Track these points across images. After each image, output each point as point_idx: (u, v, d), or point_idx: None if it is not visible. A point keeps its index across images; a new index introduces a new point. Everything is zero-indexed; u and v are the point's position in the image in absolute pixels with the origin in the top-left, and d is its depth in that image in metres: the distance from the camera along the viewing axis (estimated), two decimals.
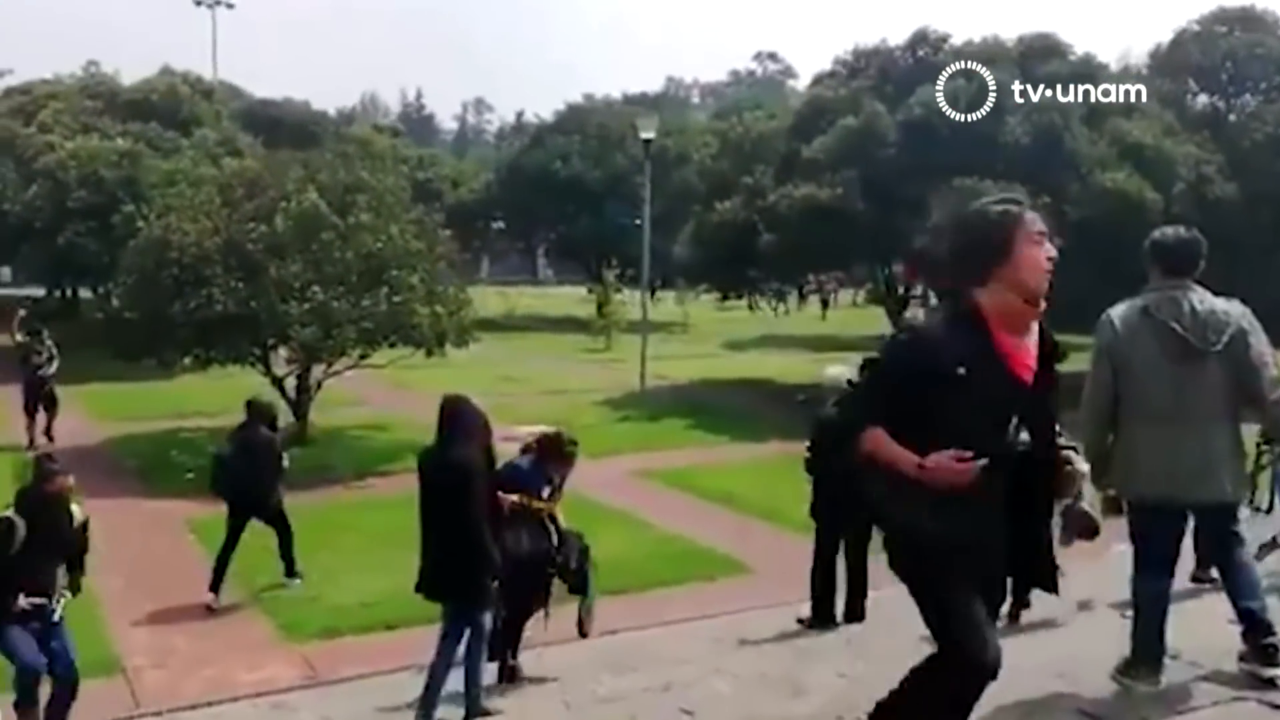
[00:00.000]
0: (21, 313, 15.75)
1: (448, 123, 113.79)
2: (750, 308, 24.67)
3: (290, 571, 9.11)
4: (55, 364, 14.66)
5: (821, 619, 7.02)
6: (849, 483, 3.49)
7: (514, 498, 6.23)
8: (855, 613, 6.99)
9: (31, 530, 5.87)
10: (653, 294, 25.05)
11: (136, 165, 21.97)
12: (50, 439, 14.11)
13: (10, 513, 5.94)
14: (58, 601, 6.06)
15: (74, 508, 6.25)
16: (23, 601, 5.83)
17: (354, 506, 11.77)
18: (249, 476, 8.82)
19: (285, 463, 9.29)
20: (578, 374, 23.22)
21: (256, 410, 9.23)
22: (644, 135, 19.43)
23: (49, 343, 14.80)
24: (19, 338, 14.92)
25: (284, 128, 31.67)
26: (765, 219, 18.90)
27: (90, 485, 12.75)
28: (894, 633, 4.94)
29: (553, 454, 6.59)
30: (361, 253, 13.37)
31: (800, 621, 7.10)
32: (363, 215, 13.46)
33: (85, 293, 33.26)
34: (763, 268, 20.83)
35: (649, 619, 7.86)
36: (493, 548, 5.56)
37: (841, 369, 6.89)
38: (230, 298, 12.52)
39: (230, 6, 46.19)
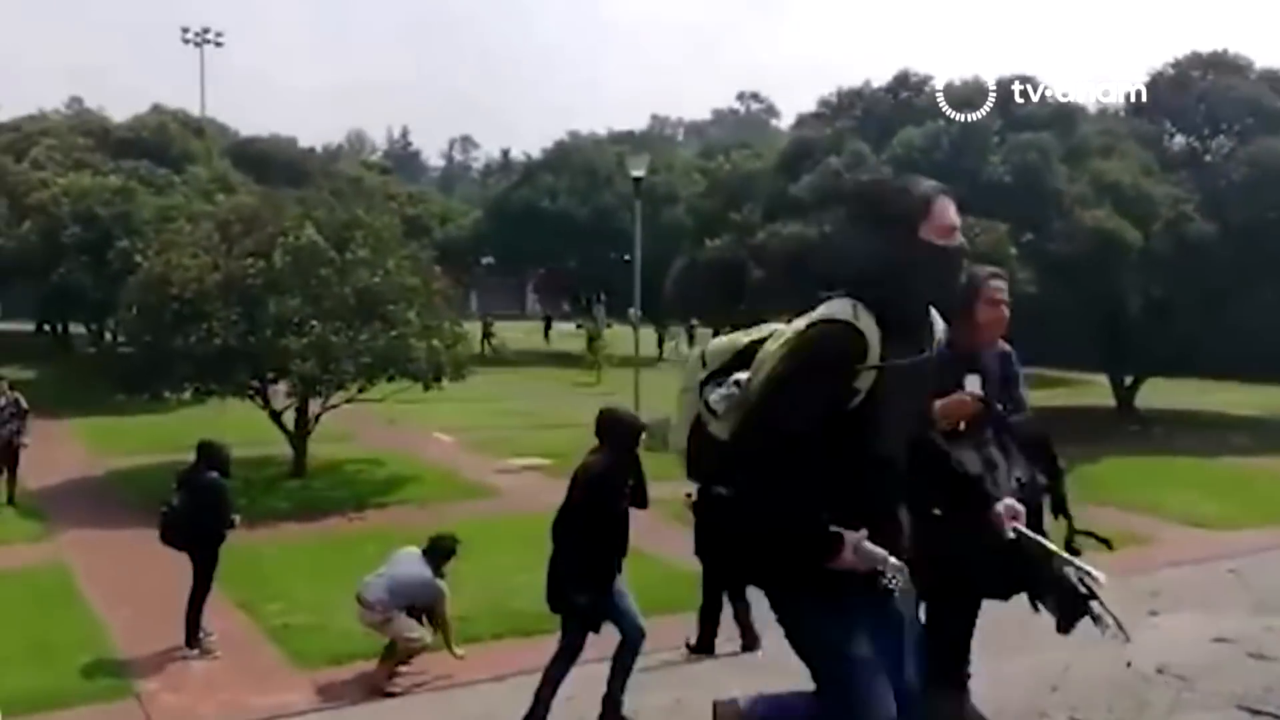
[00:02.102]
0: None
1: (434, 159, 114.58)
2: None
3: (188, 638, 8.34)
4: (18, 421, 13.37)
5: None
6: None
7: None
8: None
9: None
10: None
11: (130, 201, 22.21)
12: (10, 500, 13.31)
13: None
14: None
15: None
16: None
17: (353, 538, 11.92)
18: (190, 519, 8.36)
19: (235, 517, 8.69)
20: (572, 407, 23.38)
21: (205, 452, 8.67)
22: (634, 173, 19.79)
23: (14, 397, 13.56)
24: None
25: (273, 165, 32.05)
26: (755, 256, 19.25)
27: (97, 517, 13.04)
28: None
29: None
30: (359, 288, 13.61)
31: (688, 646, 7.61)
32: (360, 251, 13.73)
33: (76, 328, 33.41)
34: (752, 303, 21.15)
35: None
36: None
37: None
38: (230, 332, 12.74)
39: (219, 45, 46.56)
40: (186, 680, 7.97)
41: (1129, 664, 4.82)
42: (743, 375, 2.91)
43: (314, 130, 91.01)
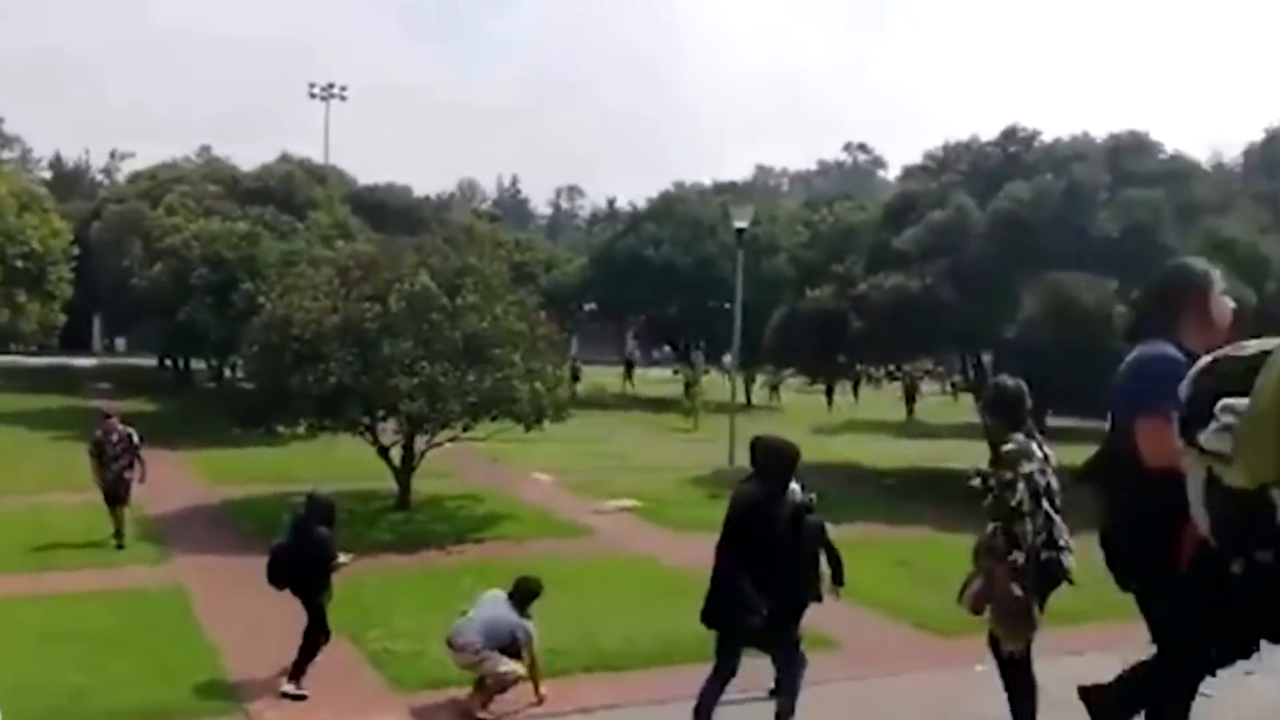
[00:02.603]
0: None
1: (541, 208, 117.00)
2: (828, 399, 24.75)
3: (294, 675, 8.44)
4: (130, 457, 13.25)
5: None
6: None
7: None
8: None
9: None
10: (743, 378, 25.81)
11: (255, 246, 23.39)
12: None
13: None
14: None
15: None
16: None
17: (452, 570, 12.30)
18: (296, 566, 8.65)
19: (342, 558, 8.89)
20: (667, 451, 23.71)
21: (314, 506, 8.82)
22: (737, 224, 20.10)
23: (127, 432, 13.43)
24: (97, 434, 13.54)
25: (389, 212, 33.28)
26: (855, 306, 19.31)
27: (212, 544, 13.71)
28: None
29: None
30: (468, 332, 14.12)
31: None
32: (470, 297, 14.25)
33: (197, 364, 35.01)
34: (852, 354, 21.19)
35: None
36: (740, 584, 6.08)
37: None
38: (346, 372, 13.32)
39: (344, 99, 48.60)
40: (290, 701, 8.35)
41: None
42: (1234, 402, 2.67)
43: (429, 179, 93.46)
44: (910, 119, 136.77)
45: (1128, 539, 3.56)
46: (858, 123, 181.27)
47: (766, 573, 6.08)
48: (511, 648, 8.00)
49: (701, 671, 6.58)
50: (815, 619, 10.32)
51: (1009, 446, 5.35)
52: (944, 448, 23.31)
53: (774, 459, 6.26)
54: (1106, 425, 3.83)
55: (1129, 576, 3.61)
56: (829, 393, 30.42)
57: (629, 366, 42.15)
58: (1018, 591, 4.99)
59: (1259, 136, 24.51)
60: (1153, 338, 3.67)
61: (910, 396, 31.86)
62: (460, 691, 8.11)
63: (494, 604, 8.18)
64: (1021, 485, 5.18)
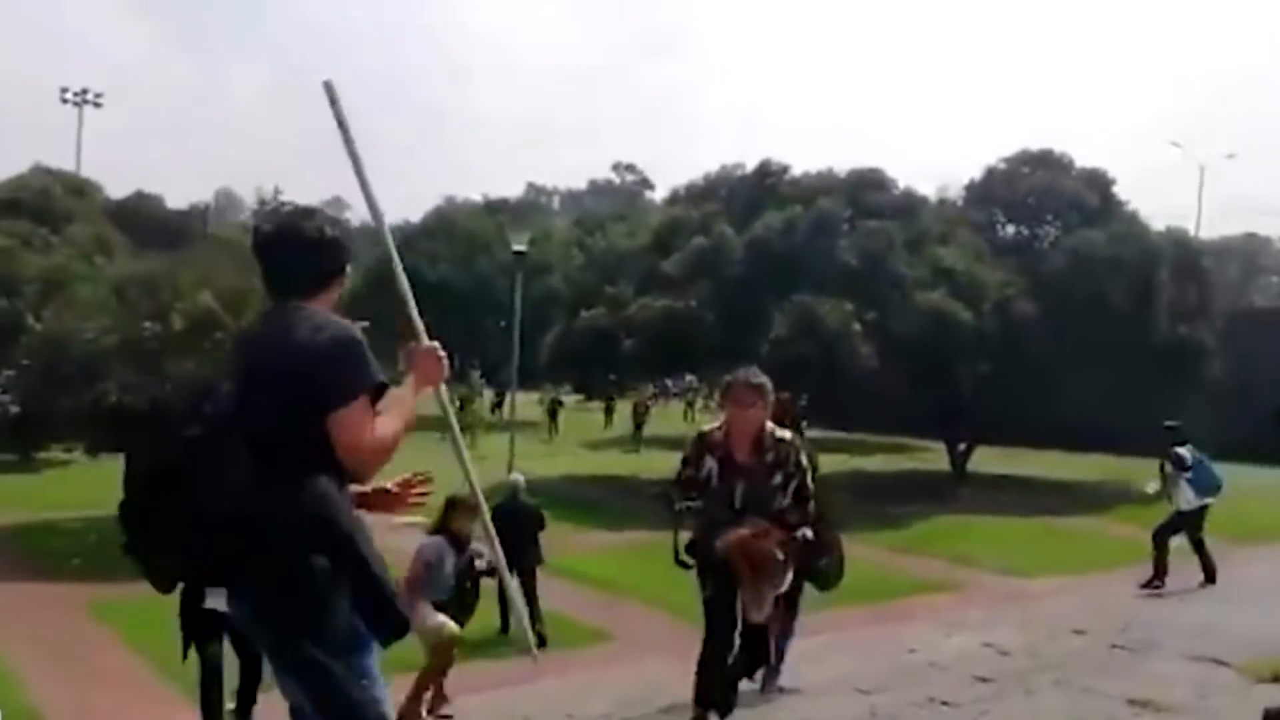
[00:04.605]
0: None
1: None
2: (607, 411, 25.82)
3: None
4: None
5: None
6: None
7: None
8: None
9: None
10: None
11: (11, 263, 22.26)
12: None
13: None
14: None
15: None
16: None
17: None
18: None
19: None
20: (445, 470, 24.14)
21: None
22: (516, 248, 20.99)
23: None
24: None
25: (150, 225, 32.05)
26: (626, 327, 20.61)
27: None
28: None
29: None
30: None
31: None
32: (254, 316, 14.46)
33: None
34: (623, 371, 22.51)
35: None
36: None
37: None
38: (127, 392, 13.30)
39: (99, 105, 46.20)
40: (94, 711, 8.58)
41: (912, 650, 6.23)
42: None
43: (181, 188, 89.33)
44: (674, 143, 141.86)
45: None
46: (626, 142, 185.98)
47: None
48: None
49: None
50: (588, 615, 11.33)
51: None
52: None
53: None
54: None
55: None
56: (608, 411, 31.58)
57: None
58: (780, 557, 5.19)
59: (979, 173, 27.24)
60: None
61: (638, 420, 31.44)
62: None
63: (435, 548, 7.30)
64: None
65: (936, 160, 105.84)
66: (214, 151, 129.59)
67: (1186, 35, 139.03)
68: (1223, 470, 11.24)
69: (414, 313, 3.40)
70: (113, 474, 12.30)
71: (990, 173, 26.60)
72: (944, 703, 5.48)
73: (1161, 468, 11.72)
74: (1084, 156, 28.95)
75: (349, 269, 3.21)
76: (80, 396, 13.44)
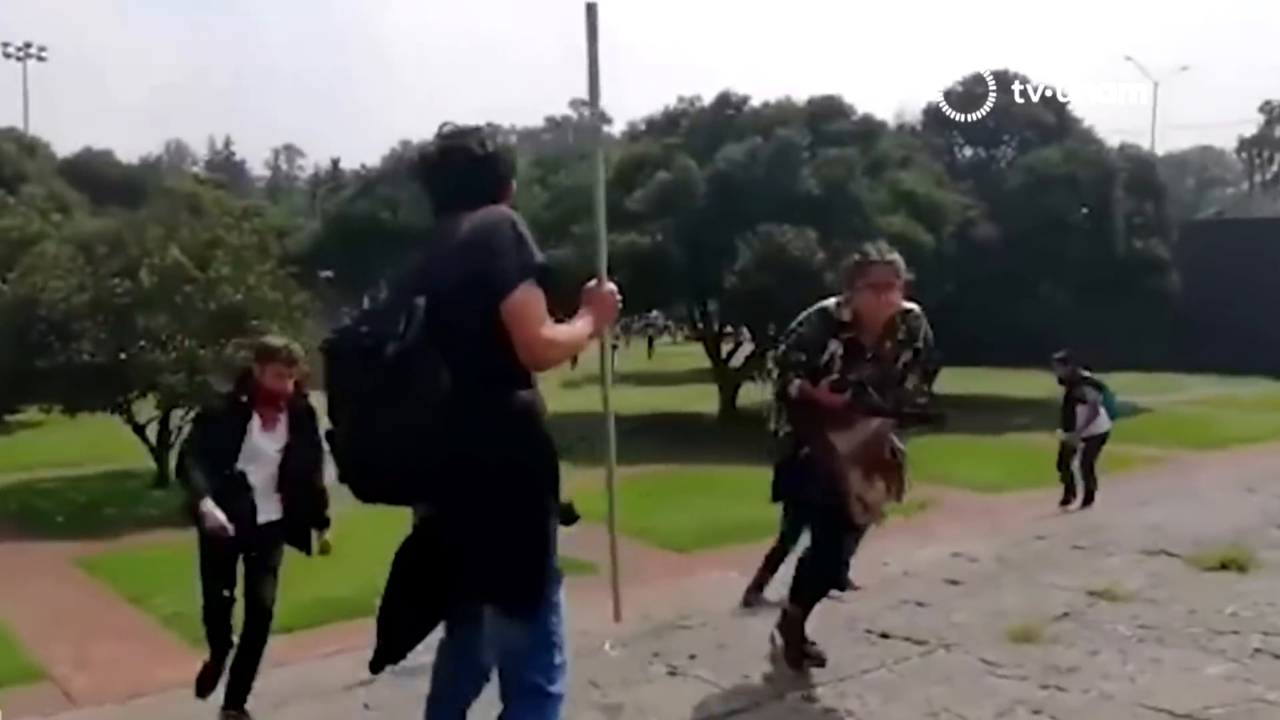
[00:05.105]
0: None
1: (258, 169, 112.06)
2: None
3: None
4: None
5: None
6: None
7: None
8: None
9: None
10: None
11: None
12: None
13: None
14: None
15: None
16: None
17: None
18: None
19: None
20: None
21: None
22: None
23: None
24: None
25: (105, 182, 31.72)
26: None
27: None
28: None
29: None
30: (223, 304, 14.41)
31: None
32: (223, 269, 14.52)
33: None
34: None
35: None
36: None
37: None
38: (101, 349, 13.36)
39: (43, 59, 45.22)
40: (96, 663, 8.81)
41: (885, 563, 6.57)
42: None
43: (130, 141, 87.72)
44: (632, 76, 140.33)
45: None
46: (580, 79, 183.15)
47: None
48: None
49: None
50: (576, 549, 11.65)
51: None
52: (679, 394, 25.35)
53: None
54: None
55: None
56: None
57: None
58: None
59: (936, 98, 27.39)
60: None
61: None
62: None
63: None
64: None
65: (895, 85, 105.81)
66: (158, 102, 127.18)
67: None
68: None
69: (602, 254, 3.58)
70: (89, 431, 12.60)
71: (948, 95, 26.79)
72: (918, 603, 5.81)
73: (1068, 402, 12.20)
74: (1040, 76, 29.16)
75: (514, 182, 3.31)
76: (54, 357, 13.46)
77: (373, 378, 2.80)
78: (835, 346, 4.57)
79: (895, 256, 4.56)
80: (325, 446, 3.31)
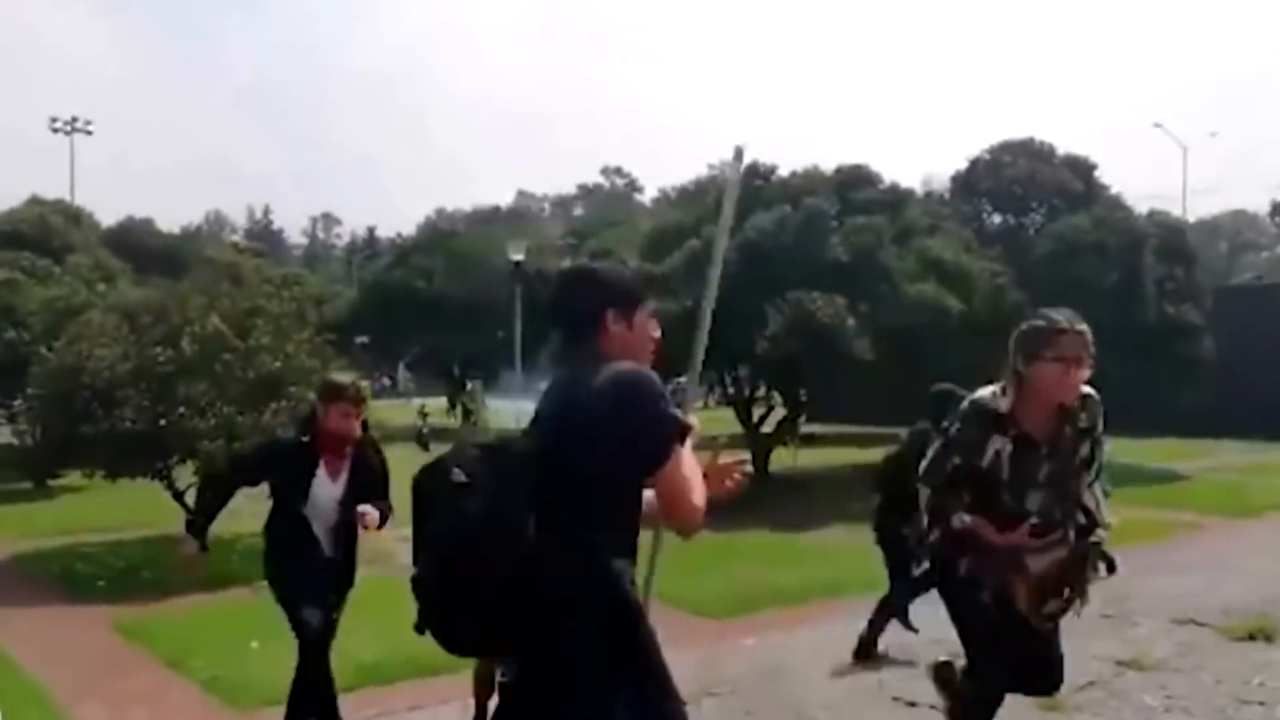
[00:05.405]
0: None
1: (295, 237, 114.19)
2: None
3: None
4: None
5: None
6: None
7: None
8: None
9: None
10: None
11: (15, 294, 22.66)
12: None
13: None
14: None
15: None
16: None
17: (262, 604, 12.82)
18: None
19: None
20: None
21: None
22: (514, 257, 21.39)
23: None
24: None
25: (148, 250, 32.53)
26: None
27: (12, 597, 13.59)
28: None
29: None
30: (262, 372, 14.69)
31: None
32: (263, 338, 14.84)
33: None
34: None
35: None
36: None
37: None
38: (143, 417, 13.66)
39: (89, 133, 46.57)
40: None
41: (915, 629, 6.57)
42: None
43: (169, 211, 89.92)
44: (663, 146, 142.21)
45: None
46: (612, 146, 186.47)
47: None
48: None
49: None
50: None
51: None
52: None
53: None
54: None
55: None
56: None
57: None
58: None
59: (963, 165, 27.66)
60: None
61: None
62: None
63: None
64: None
65: (921, 154, 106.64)
66: (197, 171, 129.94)
67: (1163, 25, 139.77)
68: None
69: (700, 352, 3.58)
70: (130, 496, 12.83)
71: (975, 163, 27.06)
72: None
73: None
74: (1066, 144, 29.38)
75: (642, 305, 3.25)
76: (98, 424, 13.77)
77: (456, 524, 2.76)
78: (1000, 444, 3.93)
79: (1085, 326, 3.90)
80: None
